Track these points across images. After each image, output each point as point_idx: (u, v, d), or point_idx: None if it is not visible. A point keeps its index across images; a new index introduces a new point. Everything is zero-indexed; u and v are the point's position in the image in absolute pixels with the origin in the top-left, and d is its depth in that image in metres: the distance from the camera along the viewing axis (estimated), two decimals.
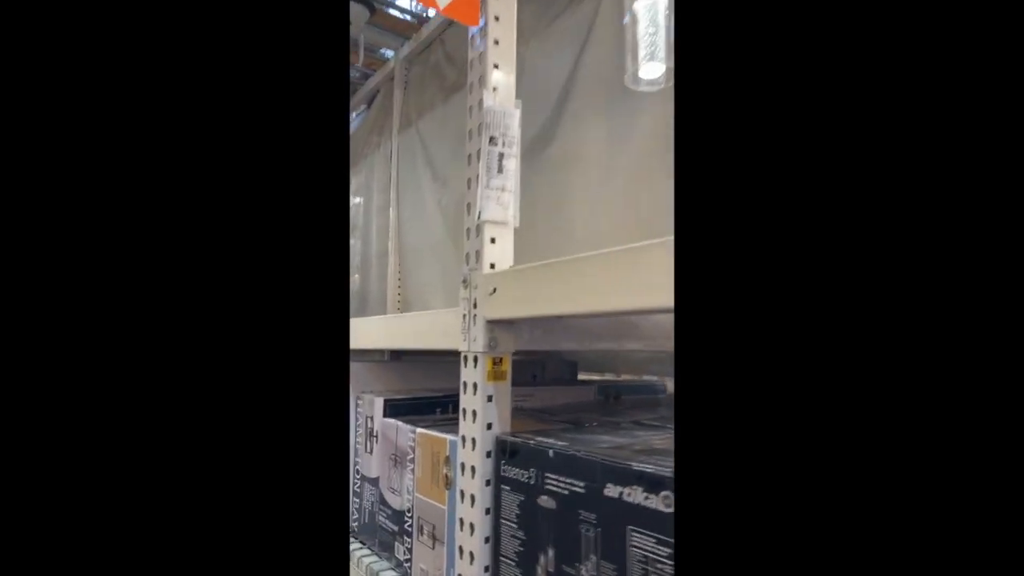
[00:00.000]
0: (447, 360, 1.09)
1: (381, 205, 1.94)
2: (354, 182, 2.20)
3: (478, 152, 0.64)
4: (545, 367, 1.16)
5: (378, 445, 0.84)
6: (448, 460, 0.66)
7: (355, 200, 2.26)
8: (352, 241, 2.28)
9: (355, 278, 2.26)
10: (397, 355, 1.49)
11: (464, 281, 0.64)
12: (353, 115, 2.14)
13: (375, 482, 0.84)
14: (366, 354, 1.28)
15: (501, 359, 0.62)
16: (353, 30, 1.63)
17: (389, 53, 1.82)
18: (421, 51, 1.71)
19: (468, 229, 0.65)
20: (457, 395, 0.98)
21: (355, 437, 0.93)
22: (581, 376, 1.25)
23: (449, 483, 0.66)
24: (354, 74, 1.92)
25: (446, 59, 1.65)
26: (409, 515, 0.74)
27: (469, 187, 0.65)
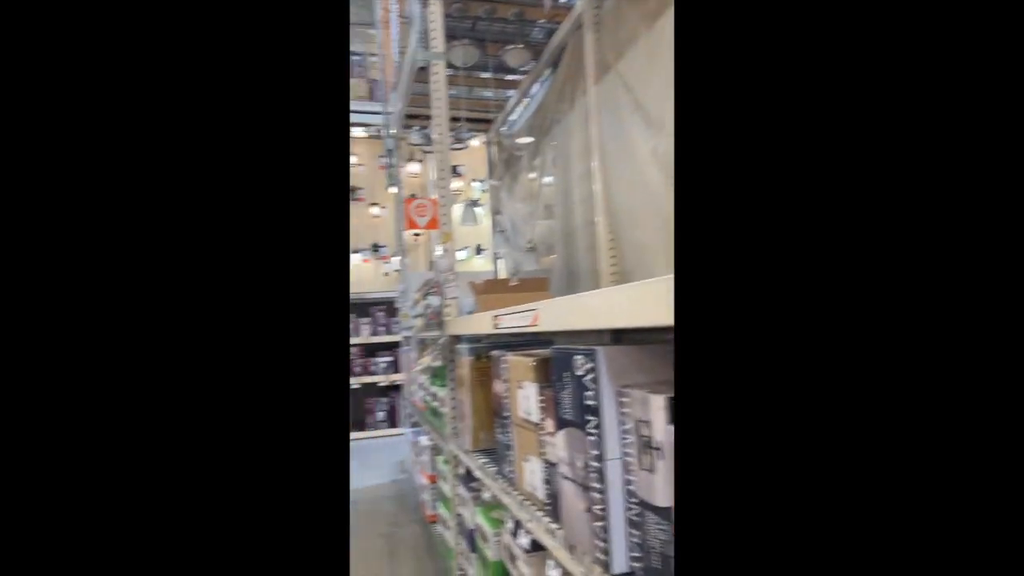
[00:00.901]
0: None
1: (581, 173, 1.68)
2: (545, 158, 1.98)
3: None
4: None
5: (664, 463, 0.58)
6: None
7: (546, 179, 2.03)
8: (549, 222, 2.06)
9: (553, 258, 2.04)
10: (617, 336, 1.20)
11: None
12: (536, 85, 1.89)
13: (664, 513, 0.58)
14: (579, 336, 0.99)
15: None
16: None
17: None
18: None
19: None
20: None
21: (620, 447, 0.67)
22: None
23: None
24: (538, 33, 1.67)
25: None
26: None
27: None
